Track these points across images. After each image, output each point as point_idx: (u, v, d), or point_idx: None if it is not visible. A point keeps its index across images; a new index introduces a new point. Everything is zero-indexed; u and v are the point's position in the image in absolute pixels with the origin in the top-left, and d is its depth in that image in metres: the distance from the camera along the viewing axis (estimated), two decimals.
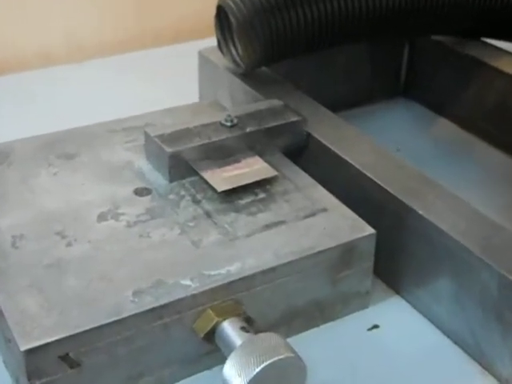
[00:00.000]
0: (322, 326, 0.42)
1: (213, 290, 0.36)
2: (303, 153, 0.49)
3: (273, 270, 0.38)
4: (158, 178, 0.45)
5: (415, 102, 0.67)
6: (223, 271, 0.37)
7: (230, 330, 0.36)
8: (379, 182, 0.43)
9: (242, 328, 0.36)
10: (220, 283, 0.37)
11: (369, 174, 0.44)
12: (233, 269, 0.38)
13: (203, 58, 0.60)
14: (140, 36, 0.78)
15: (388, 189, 0.43)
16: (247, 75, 0.55)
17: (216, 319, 0.36)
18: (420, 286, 0.42)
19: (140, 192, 0.44)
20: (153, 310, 0.35)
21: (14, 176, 0.45)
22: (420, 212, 0.41)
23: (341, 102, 0.54)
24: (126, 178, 0.45)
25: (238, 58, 0.54)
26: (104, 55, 0.74)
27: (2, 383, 0.37)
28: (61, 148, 0.48)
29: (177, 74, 0.67)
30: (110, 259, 0.38)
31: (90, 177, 0.45)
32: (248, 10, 0.51)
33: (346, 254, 0.40)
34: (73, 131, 0.50)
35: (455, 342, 0.41)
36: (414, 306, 0.43)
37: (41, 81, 0.68)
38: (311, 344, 0.40)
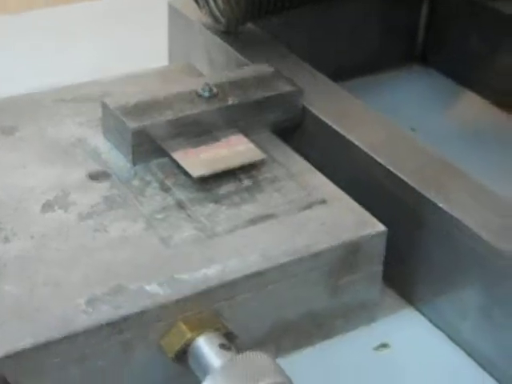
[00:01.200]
0: (319, 345, 0.41)
1: (186, 299, 0.36)
2: (297, 131, 0.49)
3: (260, 274, 0.38)
4: (118, 160, 0.45)
5: (434, 69, 0.66)
6: (199, 275, 0.37)
7: (207, 348, 0.35)
8: (391, 169, 0.43)
9: (222, 345, 0.35)
10: (195, 290, 0.36)
11: (378, 159, 0.44)
12: (211, 272, 0.37)
13: (174, 10, 0.59)
14: None
15: (402, 176, 0.42)
16: (229, 33, 0.54)
17: (189, 334, 0.35)
18: (440, 296, 0.42)
19: (95, 176, 0.43)
20: (111, 322, 0.34)
21: None
22: (441, 205, 0.41)
23: (344, 69, 0.53)
24: (78, 159, 0.45)
25: (217, 12, 0.53)
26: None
27: None
28: None
29: (141, 30, 0.67)
30: (57, 259, 0.38)
31: (33, 156, 0.45)
32: None
33: (350, 255, 0.40)
34: (11, 99, 0.50)
35: (483, 367, 0.41)
36: (432, 321, 0.43)
37: None
38: (305, 366, 0.40)
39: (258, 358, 0.33)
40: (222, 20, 0.53)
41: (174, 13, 0.59)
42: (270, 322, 0.39)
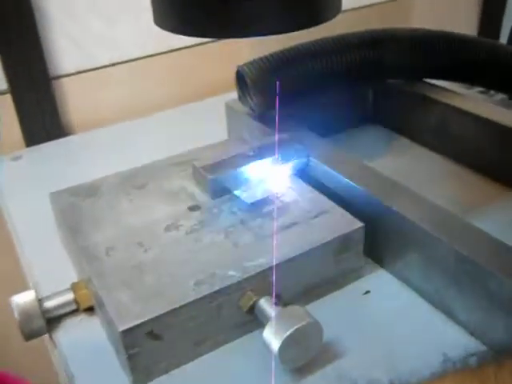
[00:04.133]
0: (329, 295, 0.42)
1: (251, 277, 0.37)
2: (305, 170, 0.49)
3: (292, 259, 0.38)
4: (204, 197, 0.45)
5: (381, 126, 0.67)
6: (257, 263, 0.37)
7: (266, 305, 0.36)
8: (364, 189, 0.43)
9: (274, 303, 0.36)
10: (256, 271, 0.37)
11: (356, 184, 0.44)
12: (264, 260, 0.38)
13: (229, 107, 0.60)
14: (181, 94, 0.80)
15: (371, 193, 0.43)
16: (261, 117, 0.55)
17: (255, 298, 0.36)
18: (398, 261, 0.42)
19: (192, 208, 0.44)
20: (209, 294, 0.35)
21: (103, 204, 0.45)
22: (395, 208, 0.41)
23: (327, 130, 0.53)
24: (182, 199, 0.45)
25: (253, 107, 0.54)
26: (157, 111, 0.75)
27: (107, 353, 0.38)
28: (134, 180, 0.48)
29: (210, 121, 0.68)
30: (175, 259, 0.39)
31: (156, 200, 0.45)
32: (258, 73, 0.52)
33: (344, 242, 0.40)
34: (142, 167, 0.50)
35: (425, 299, 0.41)
36: (395, 276, 0.43)
37: (114, 134, 0.69)
38: (323, 309, 0.40)
39: (296, 309, 0.34)
40: (256, 111, 0.54)
41: (229, 108, 0.60)
42: (300, 285, 0.40)
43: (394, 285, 0.42)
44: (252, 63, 0.53)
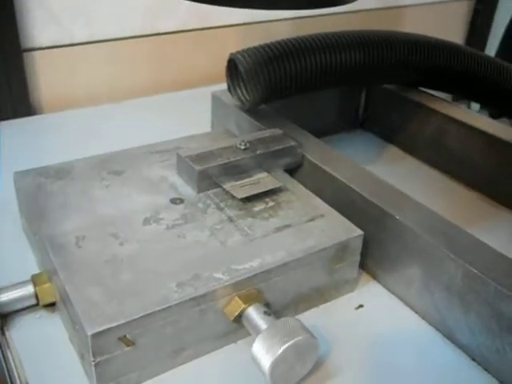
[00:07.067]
0: (321, 306, 0.38)
1: (240, 282, 0.33)
2: (299, 169, 0.45)
3: (286, 264, 0.34)
4: (188, 190, 0.41)
5: (370, 132, 0.64)
6: (247, 266, 0.34)
7: (255, 314, 0.32)
8: (363, 193, 0.40)
9: (265, 312, 0.32)
10: (245, 276, 0.33)
11: (353, 186, 0.41)
12: (255, 264, 0.34)
13: (216, 98, 0.56)
14: (161, 82, 0.75)
15: (370, 199, 0.39)
16: (250, 111, 0.51)
17: (243, 305, 0.32)
18: (394, 274, 0.39)
19: (174, 201, 0.40)
20: (193, 298, 0.31)
21: (74, 188, 0.41)
22: (397, 216, 0.37)
23: (315, 132, 0.50)
24: (163, 190, 0.41)
25: (243, 99, 0.50)
26: (135, 97, 0.70)
27: (68, 357, 0.33)
28: (110, 166, 0.44)
29: (190, 112, 0.64)
30: (155, 256, 0.34)
31: (135, 189, 0.41)
32: (253, 61, 0.48)
33: (341, 250, 0.37)
34: (119, 153, 0.46)
35: (423, 317, 0.37)
36: (389, 290, 0.40)
37: (88, 116, 0.64)
38: (313, 322, 0.36)
39: (291, 322, 0.30)
40: (247, 103, 0.50)
41: (215, 99, 0.56)
42: (291, 294, 0.36)
43: (389, 300, 0.39)
44: (247, 51, 0.49)
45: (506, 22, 0.89)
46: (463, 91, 0.59)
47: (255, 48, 0.50)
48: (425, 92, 0.59)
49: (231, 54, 0.50)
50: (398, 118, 0.60)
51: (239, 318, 0.32)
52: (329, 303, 0.38)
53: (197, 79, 0.76)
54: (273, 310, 0.33)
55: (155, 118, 0.64)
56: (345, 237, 0.37)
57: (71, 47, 0.67)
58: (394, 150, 0.61)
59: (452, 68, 0.56)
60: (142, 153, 0.46)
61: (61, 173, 0.42)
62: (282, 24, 0.81)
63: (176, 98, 0.70)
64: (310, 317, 0.37)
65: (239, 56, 0.49)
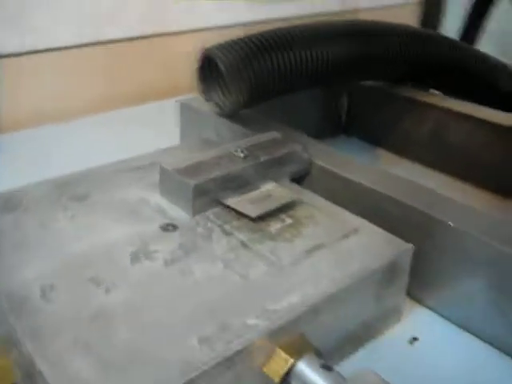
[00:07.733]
0: (367, 345, 0.30)
1: (281, 327, 0.24)
2: (307, 177, 0.37)
3: (333, 296, 0.26)
4: (179, 213, 0.32)
5: (355, 137, 0.57)
6: (285, 304, 0.25)
7: (310, 370, 0.23)
8: (398, 198, 0.32)
9: (323, 366, 0.23)
10: (287, 318, 0.24)
11: (379, 189, 0.33)
12: (294, 300, 0.25)
13: (185, 106, 0.47)
14: (111, 98, 0.65)
15: (408, 202, 0.32)
16: (231, 116, 0.43)
17: (291, 360, 0.23)
18: (449, 295, 0.31)
19: (166, 228, 0.31)
20: (227, 358, 0.22)
21: (30, 222, 0.31)
22: (450, 223, 0.30)
23: None
24: (146, 216, 0.32)
25: (221, 103, 0.42)
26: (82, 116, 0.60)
27: None
28: (71, 190, 0.34)
29: (149, 125, 0.55)
30: (158, 304, 0.25)
31: (109, 217, 0.32)
32: (233, 56, 0.40)
33: (390, 270, 0.29)
34: (80, 173, 0.36)
35: (497, 347, 0.30)
36: (442, 315, 0.32)
37: (34, 138, 0.54)
38: (363, 365, 0.28)
39: (370, 377, 0.22)
40: (225, 108, 0.42)
41: (184, 107, 0.47)
42: (336, 334, 0.28)
43: (445, 327, 0.31)
44: (224, 47, 0.41)
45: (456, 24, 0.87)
46: (456, 87, 0.54)
47: (233, 41, 0.42)
48: (415, 87, 0.53)
49: (206, 50, 0.41)
50: (386, 117, 0.54)
51: (285, 379, 0.24)
52: (375, 339, 0.30)
53: (150, 93, 0.67)
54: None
55: (112, 135, 0.55)
56: (392, 253, 0.29)
57: (11, 58, 0.57)
58: (383, 154, 0.54)
59: (448, 61, 0.50)
60: (110, 172, 0.37)
61: (10, 202, 0.32)
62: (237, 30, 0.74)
63: (131, 113, 0.61)
64: (360, 360, 0.29)
65: (216, 51, 0.41)
